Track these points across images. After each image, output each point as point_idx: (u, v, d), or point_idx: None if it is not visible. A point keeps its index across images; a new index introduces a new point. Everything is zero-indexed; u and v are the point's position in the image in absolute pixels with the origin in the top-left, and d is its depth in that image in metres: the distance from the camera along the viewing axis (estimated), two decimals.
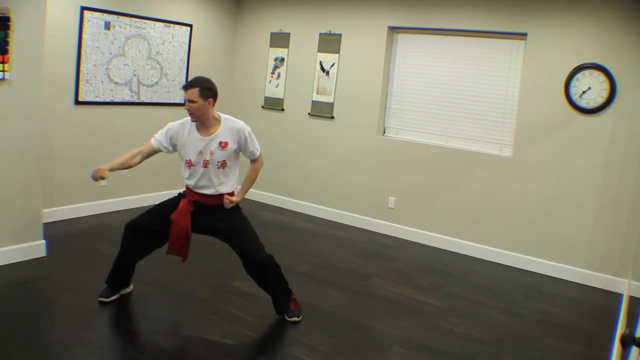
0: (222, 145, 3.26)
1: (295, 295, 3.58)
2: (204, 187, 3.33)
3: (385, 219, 5.70)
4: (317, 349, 3.14)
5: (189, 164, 3.30)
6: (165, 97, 5.87)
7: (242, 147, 3.35)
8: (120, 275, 3.53)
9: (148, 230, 3.37)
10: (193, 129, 3.28)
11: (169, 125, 3.36)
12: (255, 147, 3.41)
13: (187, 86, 3.19)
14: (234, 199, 3.39)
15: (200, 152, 3.26)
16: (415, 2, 5.38)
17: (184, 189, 3.45)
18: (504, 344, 3.43)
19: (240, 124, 3.36)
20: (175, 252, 3.40)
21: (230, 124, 3.31)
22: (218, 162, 3.28)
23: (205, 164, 3.27)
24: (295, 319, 3.48)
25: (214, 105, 3.26)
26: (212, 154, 3.26)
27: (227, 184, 3.37)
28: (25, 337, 2.96)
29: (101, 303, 3.46)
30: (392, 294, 4.09)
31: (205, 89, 3.18)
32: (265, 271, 3.38)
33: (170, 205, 3.41)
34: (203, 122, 3.25)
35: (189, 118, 3.27)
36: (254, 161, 3.48)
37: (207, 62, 6.36)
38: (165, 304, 3.61)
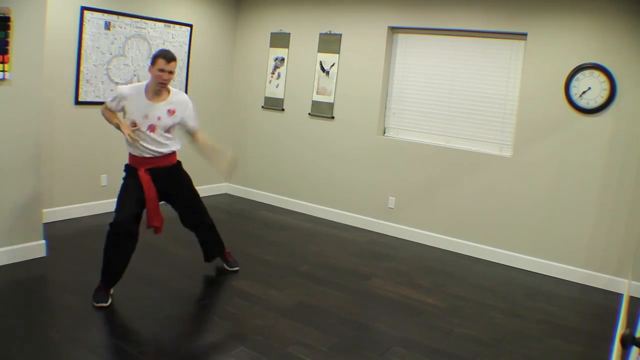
0: (170, 112, 3.56)
1: (228, 250, 4.29)
2: (152, 150, 3.56)
3: (385, 219, 5.70)
4: (317, 349, 3.14)
5: (133, 125, 3.49)
6: None
7: (184, 119, 3.66)
8: (116, 274, 3.51)
9: (133, 215, 3.51)
10: (142, 93, 3.50)
11: (121, 90, 3.53)
12: (197, 123, 3.74)
13: (172, 58, 3.45)
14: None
15: (146, 116, 3.48)
16: (415, 2, 5.38)
17: (128, 162, 3.62)
18: (504, 344, 3.43)
19: (187, 96, 3.72)
20: (158, 222, 3.64)
21: (179, 95, 3.66)
22: (166, 126, 3.57)
23: (152, 129, 3.51)
24: (236, 268, 4.25)
25: None
26: (159, 119, 3.52)
27: (174, 143, 3.68)
28: (25, 337, 2.96)
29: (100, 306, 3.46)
30: (392, 294, 4.09)
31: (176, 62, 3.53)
32: (210, 231, 4.06)
33: (134, 187, 3.55)
34: (163, 90, 3.54)
35: (140, 84, 3.55)
36: (194, 134, 3.78)
37: (207, 62, 6.37)
38: (165, 304, 3.61)
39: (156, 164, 3.60)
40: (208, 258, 4.20)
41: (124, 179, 3.63)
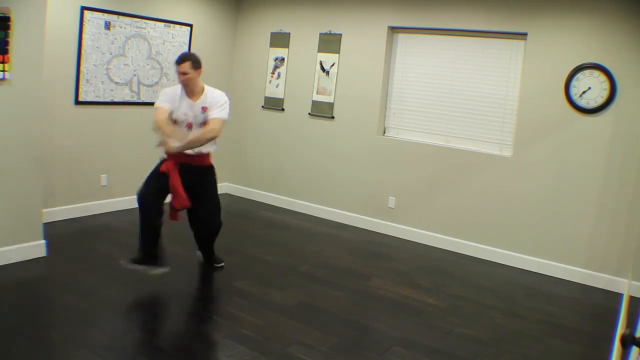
0: (204, 109, 3.76)
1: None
2: None
3: (385, 219, 5.70)
4: (317, 349, 3.14)
5: (174, 122, 3.75)
6: None
7: (210, 109, 3.76)
8: (151, 240, 3.76)
9: (156, 190, 3.76)
10: (184, 94, 3.77)
11: (165, 90, 3.84)
12: (218, 112, 3.72)
13: (180, 61, 3.69)
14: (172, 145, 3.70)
15: (186, 114, 3.74)
16: (415, 2, 5.38)
17: (165, 156, 3.80)
18: (504, 344, 3.43)
19: (221, 93, 3.83)
20: (180, 205, 3.78)
21: (213, 92, 3.82)
22: (200, 123, 3.76)
23: (190, 126, 3.77)
24: (222, 264, 4.29)
25: (200, 75, 3.77)
26: (195, 117, 3.75)
27: (208, 145, 3.81)
28: (25, 337, 2.96)
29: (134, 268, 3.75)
30: (392, 294, 4.09)
31: (194, 61, 3.72)
32: (212, 237, 4.11)
33: (159, 175, 3.79)
34: (192, 89, 3.76)
35: (179, 85, 3.78)
36: (205, 123, 3.77)
37: (207, 62, 6.29)
38: (165, 304, 3.61)
39: (190, 161, 3.80)
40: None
41: (156, 167, 3.83)
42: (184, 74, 3.67)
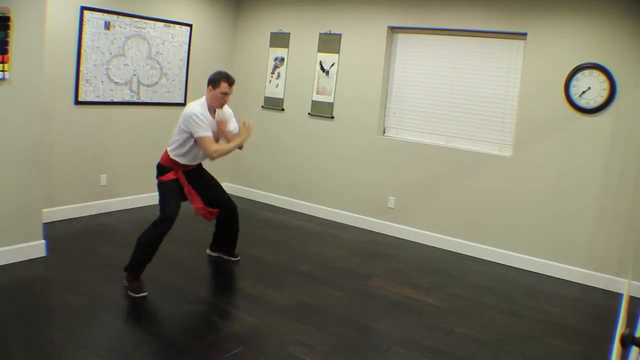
0: (219, 124, 3.90)
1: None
2: (203, 159, 3.96)
3: (385, 219, 5.70)
4: (317, 349, 3.14)
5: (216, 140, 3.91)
6: (165, 97, 5.87)
7: (230, 121, 3.98)
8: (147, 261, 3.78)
9: (179, 205, 3.84)
10: (209, 112, 3.82)
11: (199, 113, 3.71)
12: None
13: (234, 82, 3.87)
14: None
15: (213, 131, 3.82)
16: (415, 2, 5.38)
17: (169, 164, 3.84)
18: (504, 344, 3.43)
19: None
20: (200, 204, 3.95)
21: (226, 107, 3.99)
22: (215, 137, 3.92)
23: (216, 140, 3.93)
24: (238, 259, 4.46)
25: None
26: (214, 131, 3.83)
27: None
28: (25, 337, 2.96)
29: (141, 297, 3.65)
30: (392, 294, 4.09)
31: None
32: (235, 216, 4.28)
33: (176, 189, 3.85)
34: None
35: (202, 102, 3.81)
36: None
37: (207, 62, 6.36)
38: (164, 304, 3.61)
39: (194, 167, 3.96)
40: (216, 247, 4.44)
41: (167, 182, 3.82)
42: (228, 94, 3.82)
